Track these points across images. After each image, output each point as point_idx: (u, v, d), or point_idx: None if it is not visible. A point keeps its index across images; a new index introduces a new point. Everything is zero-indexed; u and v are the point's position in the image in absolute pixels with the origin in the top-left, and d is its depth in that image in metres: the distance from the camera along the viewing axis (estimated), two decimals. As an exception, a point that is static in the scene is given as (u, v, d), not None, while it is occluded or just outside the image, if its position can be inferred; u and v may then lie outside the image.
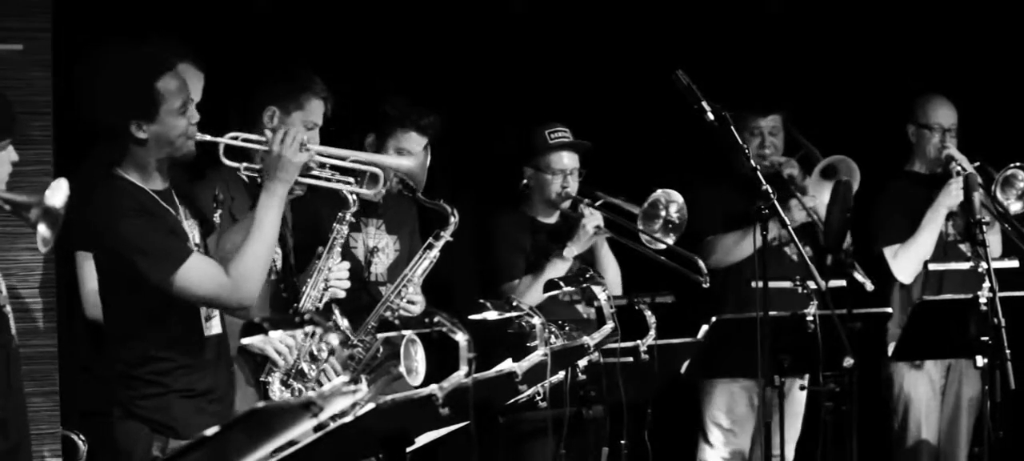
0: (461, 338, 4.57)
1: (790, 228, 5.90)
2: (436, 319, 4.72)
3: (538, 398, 5.49)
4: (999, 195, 7.02)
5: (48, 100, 5.45)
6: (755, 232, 5.84)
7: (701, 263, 6.55)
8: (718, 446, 7.08)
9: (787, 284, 6.62)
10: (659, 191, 6.70)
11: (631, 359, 5.88)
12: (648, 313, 5.99)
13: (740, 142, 5.75)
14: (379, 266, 6.21)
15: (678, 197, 6.70)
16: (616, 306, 5.58)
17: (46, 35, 5.46)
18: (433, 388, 4.35)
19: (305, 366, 5.46)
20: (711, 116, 5.60)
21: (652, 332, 5.96)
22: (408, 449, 4.42)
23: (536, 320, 5.33)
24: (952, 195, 7.03)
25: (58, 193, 4.41)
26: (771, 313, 5.79)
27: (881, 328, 6.68)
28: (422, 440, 4.54)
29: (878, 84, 7.73)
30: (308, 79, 5.69)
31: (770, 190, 5.73)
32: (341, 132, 5.63)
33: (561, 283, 5.84)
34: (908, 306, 6.89)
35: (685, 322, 6.23)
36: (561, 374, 5.51)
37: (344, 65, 6.79)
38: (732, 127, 5.64)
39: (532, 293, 6.42)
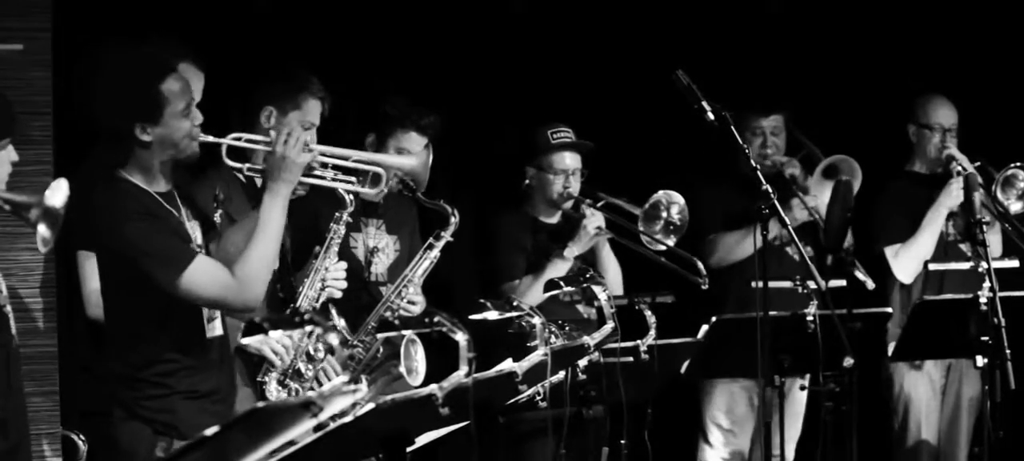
0: (461, 338, 4.57)
1: (790, 228, 5.90)
2: (436, 319, 4.72)
3: (538, 398, 5.49)
4: (999, 195, 7.02)
5: (48, 100, 5.44)
6: (755, 232, 5.84)
7: (700, 265, 6.55)
8: (718, 446, 7.08)
9: (787, 284, 6.62)
10: (660, 192, 6.70)
11: (631, 359, 5.88)
12: (648, 313, 5.99)
13: (740, 142, 5.75)
14: (379, 266, 6.21)
15: (679, 199, 6.71)
16: (616, 306, 5.57)
17: (46, 35, 5.45)
18: (433, 388, 4.35)
19: (302, 366, 5.46)
20: (711, 116, 5.60)
21: (652, 332, 5.96)
22: (408, 449, 4.42)
23: (536, 320, 5.33)
24: (953, 195, 7.03)
25: (58, 193, 4.41)
26: (771, 313, 5.79)
27: (881, 328, 6.69)
28: (422, 440, 4.54)
29: (878, 84, 7.73)
30: (305, 79, 5.69)
31: (770, 190, 5.72)
32: (341, 132, 5.63)
33: (561, 283, 5.83)
34: (908, 306, 6.89)
35: (685, 322, 6.23)
36: (561, 374, 5.50)
37: (344, 65, 6.79)
38: (732, 127, 5.64)
39: (532, 293, 6.42)
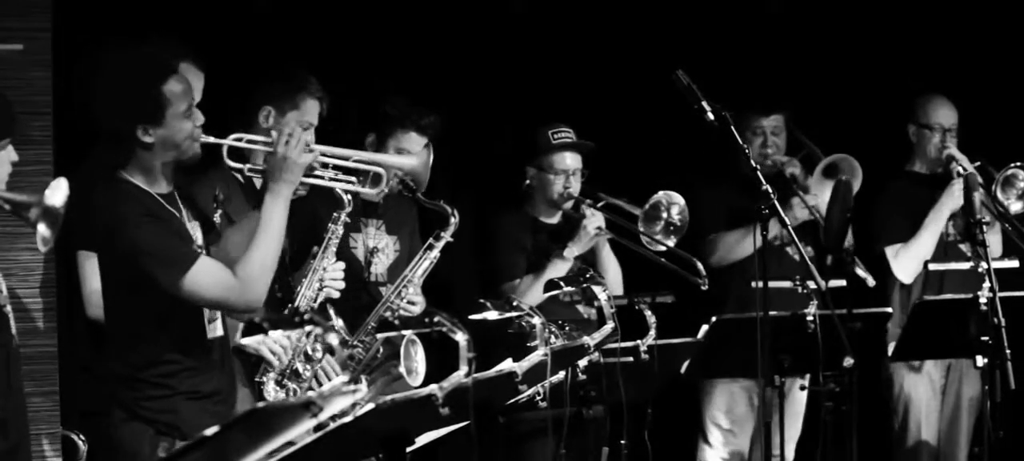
0: (461, 338, 4.57)
1: (790, 228, 5.89)
2: (436, 319, 4.72)
3: (538, 398, 5.49)
4: (999, 195, 7.02)
5: (48, 100, 5.44)
6: (755, 232, 5.84)
7: (700, 265, 6.55)
8: (718, 446, 7.08)
9: (787, 284, 6.62)
10: (661, 193, 6.70)
11: (631, 359, 5.88)
12: (648, 313, 5.99)
13: (740, 142, 5.75)
14: (379, 266, 6.20)
15: (679, 199, 6.71)
16: (616, 306, 5.57)
17: (46, 35, 5.45)
18: (433, 388, 4.35)
19: (300, 366, 5.46)
20: (711, 116, 5.60)
21: (652, 332, 5.97)
22: (408, 449, 4.42)
23: (536, 320, 5.33)
24: (955, 197, 7.03)
25: (58, 192, 4.41)
26: (771, 313, 5.79)
27: (881, 328, 6.68)
28: (422, 440, 4.54)
29: (878, 84, 7.73)
30: (304, 79, 5.69)
31: (770, 190, 5.72)
32: (341, 132, 5.63)
33: (562, 283, 5.84)
34: (908, 306, 6.89)
35: (685, 322, 6.23)
36: (561, 374, 5.50)
37: (344, 65, 6.79)
38: (732, 127, 5.64)
39: (533, 293, 6.42)
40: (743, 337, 5.95)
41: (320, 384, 5.49)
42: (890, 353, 6.80)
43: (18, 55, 5.39)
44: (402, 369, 5.49)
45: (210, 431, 3.70)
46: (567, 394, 5.66)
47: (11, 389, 4.78)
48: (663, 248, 6.65)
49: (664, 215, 6.73)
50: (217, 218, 5.11)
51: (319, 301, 5.51)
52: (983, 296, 6.28)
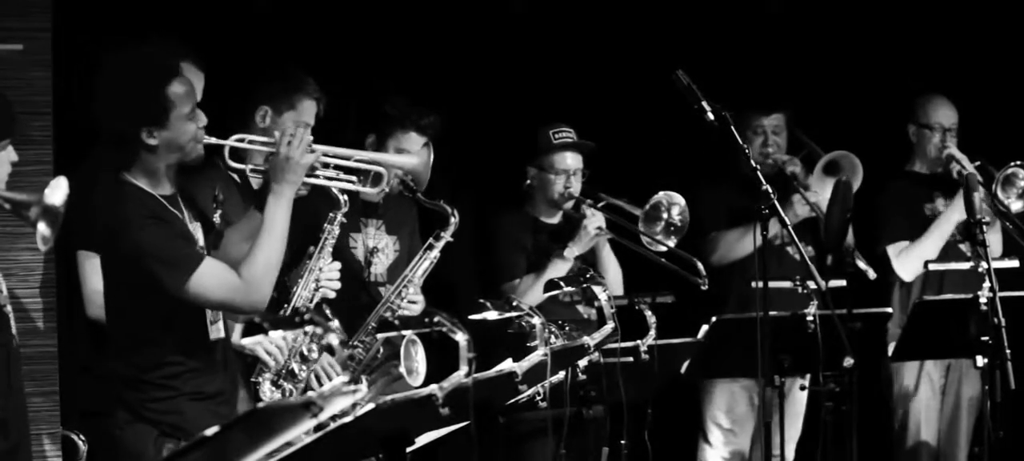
0: (461, 338, 4.56)
1: (790, 228, 5.89)
2: (436, 319, 4.72)
3: (538, 398, 5.48)
4: (999, 194, 7.02)
5: (48, 100, 5.45)
6: (755, 232, 5.84)
7: (700, 266, 6.55)
8: (718, 446, 7.08)
9: (787, 284, 6.62)
10: (661, 194, 6.70)
11: (631, 359, 5.88)
12: (648, 313, 5.98)
13: (740, 142, 5.75)
14: (379, 267, 6.20)
15: (680, 200, 6.71)
16: (616, 306, 5.57)
17: (46, 35, 5.46)
18: (433, 388, 4.35)
19: (296, 367, 5.45)
20: (711, 116, 5.60)
21: (652, 332, 5.96)
22: (408, 449, 4.41)
23: (536, 320, 5.32)
24: (962, 209, 6.99)
25: (58, 191, 4.40)
26: (771, 313, 5.79)
27: (881, 328, 6.69)
28: (422, 440, 4.54)
29: (878, 84, 7.73)
30: (300, 79, 5.69)
31: (770, 190, 5.72)
32: (341, 132, 5.63)
33: (562, 283, 5.83)
34: (908, 306, 6.89)
35: (685, 322, 6.23)
36: (561, 374, 5.50)
37: (344, 65, 6.79)
38: (732, 127, 5.64)
39: (533, 293, 6.42)
40: (743, 337, 5.95)
41: (320, 384, 5.49)
42: (890, 353, 6.80)
43: (18, 55, 5.40)
44: (402, 369, 5.49)
45: (210, 431, 3.70)
46: (567, 394, 5.66)
47: (11, 389, 4.78)
48: (663, 248, 6.65)
49: (664, 215, 6.73)
50: (216, 219, 5.11)
51: (315, 301, 5.50)
52: (983, 296, 6.28)
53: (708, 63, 6.26)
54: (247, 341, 5.09)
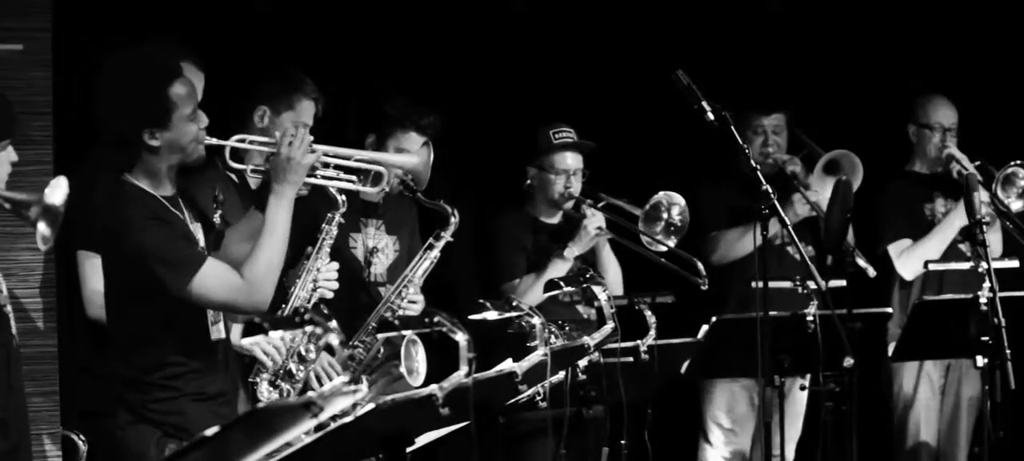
0: (461, 338, 4.56)
1: (790, 228, 5.89)
2: (436, 319, 4.72)
3: (538, 398, 5.48)
4: (999, 193, 7.02)
5: (48, 100, 5.45)
6: (755, 232, 5.84)
7: (700, 265, 6.55)
8: (718, 446, 7.08)
9: (787, 284, 6.62)
10: (661, 194, 6.70)
11: (631, 359, 5.88)
12: (648, 313, 5.98)
13: (740, 142, 5.75)
14: (379, 267, 6.20)
15: (680, 200, 6.71)
16: (616, 306, 5.57)
17: (46, 35, 5.46)
18: (433, 388, 4.35)
19: (293, 367, 5.45)
20: (711, 116, 5.60)
21: (652, 332, 5.96)
22: (408, 449, 4.41)
23: (536, 320, 5.32)
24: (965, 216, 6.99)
25: (57, 191, 4.41)
26: (771, 313, 5.79)
27: (881, 328, 6.69)
28: (422, 440, 4.54)
29: (878, 84, 7.73)
30: (299, 80, 5.69)
31: (770, 190, 5.72)
32: (341, 132, 5.63)
33: (562, 283, 5.83)
34: (908, 306, 6.89)
35: (685, 322, 6.23)
36: (561, 374, 5.50)
37: (344, 65, 6.79)
38: (732, 127, 5.64)
39: (533, 293, 6.42)
40: (743, 337, 5.95)
41: (319, 384, 5.49)
42: (890, 353, 6.80)
43: (18, 55, 5.40)
44: (403, 369, 5.48)
45: (210, 431, 3.70)
46: (567, 394, 5.66)
47: (11, 389, 4.78)
48: (663, 248, 6.65)
49: (664, 215, 6.73)
50: (216, 219, 5.11)
51: (313, 301, 5.50)
52: (983, 296, 6.28)
53: (708, 63, 6.26)
54: (246, 341, 5.09)
